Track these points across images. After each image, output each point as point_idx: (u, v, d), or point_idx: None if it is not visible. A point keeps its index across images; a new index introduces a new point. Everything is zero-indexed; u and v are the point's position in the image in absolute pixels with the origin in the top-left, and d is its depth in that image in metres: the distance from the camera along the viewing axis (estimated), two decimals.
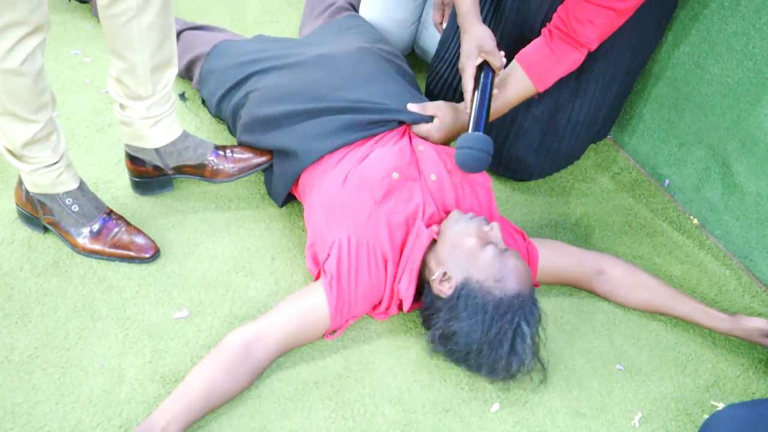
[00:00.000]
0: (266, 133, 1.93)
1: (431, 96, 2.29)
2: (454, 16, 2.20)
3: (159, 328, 1.74)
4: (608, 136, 2.41)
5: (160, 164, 1.92)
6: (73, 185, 1.80)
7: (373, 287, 1.73)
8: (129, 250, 1.84)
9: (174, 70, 1.78)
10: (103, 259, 1.83)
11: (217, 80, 2.10)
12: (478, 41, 1.80)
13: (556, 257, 1.87)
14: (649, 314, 1.92)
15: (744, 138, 2.00)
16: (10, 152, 1.70)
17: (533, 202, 2.19)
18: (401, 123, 1.91)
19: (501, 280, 1.61)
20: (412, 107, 1.92)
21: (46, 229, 1.86)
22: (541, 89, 1.90)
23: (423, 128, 1.91)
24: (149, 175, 1.95)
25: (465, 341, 1.63)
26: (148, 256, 1.84)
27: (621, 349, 1.84)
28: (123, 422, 1.57)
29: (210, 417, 1.59)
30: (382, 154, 1.81)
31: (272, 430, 1.59)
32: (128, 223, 1.87)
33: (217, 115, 2.14)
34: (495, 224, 1.68)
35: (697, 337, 1.90)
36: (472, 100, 1.79)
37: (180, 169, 1.95)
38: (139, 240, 1.85)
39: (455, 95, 2.21)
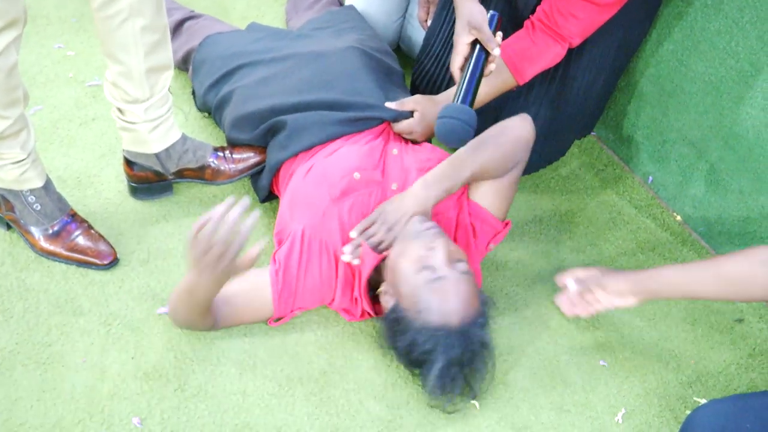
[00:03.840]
0: (255, 128, 1.93)
1: (416, 92, 2.29)
2: (438, 13, 2.19)
3: (142, 324, 1.73)
4: (592, 133, 2.42)
5: (160, 169, 1.91)
6: (38, 183, 1.76)
7: (323, 283, 1.73)
8: (86, 255, 1.80)
9: (170, 72, 1.77)
10: (59, 261, 1.81)
11: (207, 71, 2.10)
12: (468, 18, 1.72)
13: (491, 198, 1.83)
14: (632, 311, 1.93)
15: (727, 135, 2.01)
16: None
17: (517, 198, 2.19)
18: (383, 121, 1.91)
19: (423, 311, 1.59)
20: (390, 105, 1.91)
21: (8, 226, 1.84)
22: (521, 82, 1.89)
23: (404, 124, 1.90)
24: (149, 180, 1.93)
25: (395, 354, 1.67)
26: (105, 262, 1.80)
27: (604, 345, 1.85)
28: (105, 419, 1.56)
29: (193, 413, 1.59)
30: (349, 151, 1.80)
31: (256, 427, 1.59)
32: (90, 228, 1.83)
33: (203, 107, 2.13)
34: (440, 243, 1.61)
35: (680, 333, 1.91)
36: (460, 77, 1.71)
37: (181, 173, 1.94)
38: (98, 246, 1.81)
39: (440, 91, 2.20)
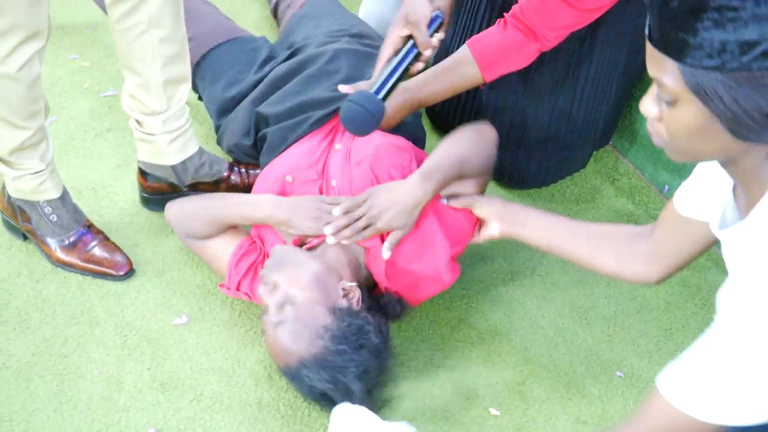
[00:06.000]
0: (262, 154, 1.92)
1: (433, 117, 2.27)
2: (452, 30, 2.15)
3: (158, 334, 1.73)
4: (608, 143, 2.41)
5: (175, 181, 1.91)
6: (55, 194, 1.77)
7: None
8: (102, 266, 1.81)
9: (188, 85, 1.78)
10: (75, 272, 1.82)
11: (208, 101, 2.10)
12: (408, 11, 1.65)
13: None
14: (649, 321, 1.92)
15: None
16: None
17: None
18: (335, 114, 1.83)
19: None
20: (342, 88, 1.77)
21: (25, 237, 1.85)
22: (489, 79, 1.77)
23: None
24: (163, 191, 1.94)
25: None
26: (121, 273, 1.81)
27: (621, 355, 1.84)
28: (121, 429, 1.56)
29: (209, 424, 1.59)
30: (290, 153, 1.79)
31: None
32: (106, 239, 1.84)
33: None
34: (270, 283, 1.58)
35: None
36: (382, 68, 1.65)
37: (195, 186, 1.94)
38: (114, 257, 1.82)
39: (454, 120, 2.14)
